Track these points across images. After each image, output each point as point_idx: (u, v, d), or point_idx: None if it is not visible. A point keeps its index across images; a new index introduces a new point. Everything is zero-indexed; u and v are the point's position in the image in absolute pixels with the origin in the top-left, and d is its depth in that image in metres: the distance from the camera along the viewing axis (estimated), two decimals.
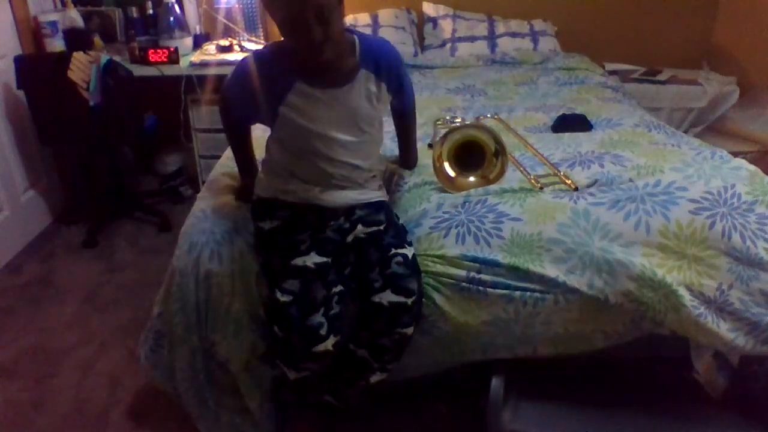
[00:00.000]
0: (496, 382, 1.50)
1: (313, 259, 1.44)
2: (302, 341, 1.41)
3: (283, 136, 1.49)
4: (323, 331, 1.40)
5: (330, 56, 1.35)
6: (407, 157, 1.82)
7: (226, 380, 1.58)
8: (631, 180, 1.59)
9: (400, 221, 1.59)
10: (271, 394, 1.60)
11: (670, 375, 1.68)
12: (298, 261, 1.44)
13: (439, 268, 1.48)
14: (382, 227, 1.52)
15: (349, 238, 1.52)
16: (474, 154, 1.69)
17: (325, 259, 1.46)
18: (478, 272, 1.46)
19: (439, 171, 1.69)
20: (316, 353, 1.41)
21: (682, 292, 1.42)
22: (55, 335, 2.19)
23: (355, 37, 1.44)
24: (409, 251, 1.49)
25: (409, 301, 1.43)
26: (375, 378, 1.51)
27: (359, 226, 1.52)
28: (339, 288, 1.47)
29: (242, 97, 1.49)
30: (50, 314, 2.31)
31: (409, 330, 1.46)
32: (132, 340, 2.10)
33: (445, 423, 1.75)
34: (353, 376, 1.52)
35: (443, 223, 1.54)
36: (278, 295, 1.42)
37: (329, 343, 1.42)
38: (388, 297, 1.43)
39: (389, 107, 1.62)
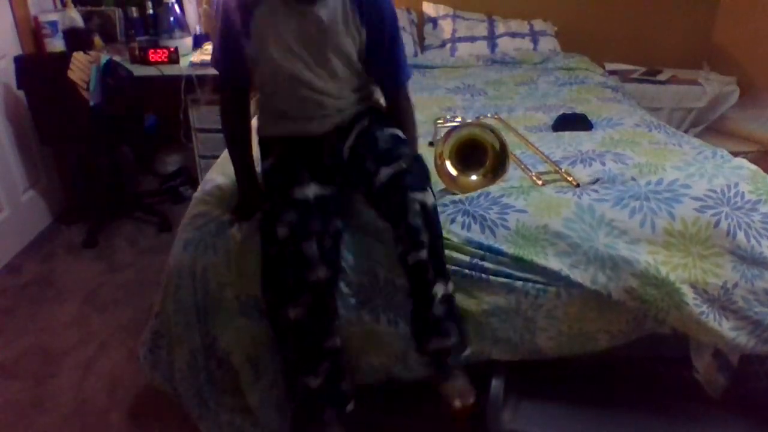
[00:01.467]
0: (496, 382, 1.51)
1: (313, 191, 1.41)
2: (295, 269, 1.37)
3: (262, 67, 1.46)
4: (315, 259, 1.36)
5: None
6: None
7: (226, 380, 1.58)
8: (633, 178, 1.59)
9: None
10: (287, 390, 1.59)
11: (670, 375, 1.68)
12: (298, 193, 1.41)
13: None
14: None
15: (345, 154, 1.51)
16: (476, 153, 1.69)
17: (324, 192, 1.43)
18: (482, 259, 1.46)
19: (440, 169, 1.69)
20: (310, 283, 1.37)
21: (686, 290, 1.42)
22: (55, 335, 2.18)
23: None
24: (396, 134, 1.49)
25: (404, 164, 1.38)
26: (439, 290, 1.39)
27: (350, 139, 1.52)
28: (338, 224, 1.44)
29: (225, 33, 1.45)
30: (50, 314, 2.31)
31: (423, 195, 1.36)
32: (132, 340, 2.10)
33: (445, 423, 1.75)
34: (420, 291, 1.41)
35: (447, 210, 1.54)
36: (277, 229, 1.39)
37: (321, 273, 1.37)
38: (385, 173, 1.38)
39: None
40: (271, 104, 1.53)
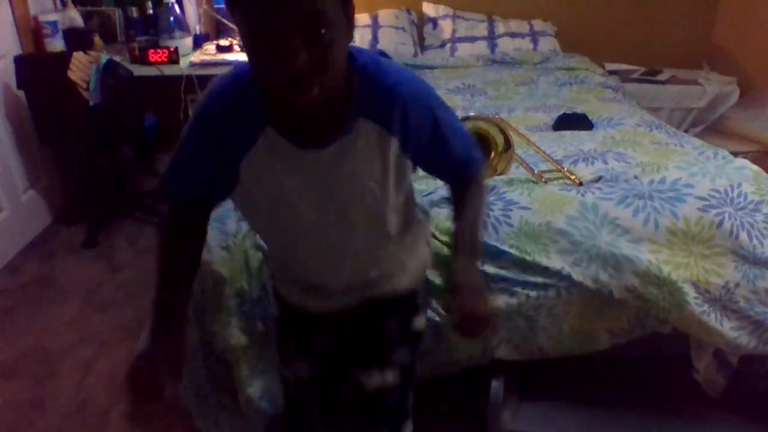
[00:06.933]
0: (495, 383, 1.50)
1: (303, 373, 1.24)
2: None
3: (250, 217, 1.12)
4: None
5: (319, 96, 0.83)
6: (460, 248, 1.05)
7: (226, 378, 1.57)
8: (636, 177, 1.60)
9: None
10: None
11: (670, 375, 1.68)
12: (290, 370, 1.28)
13: (445, 244, 1.47)
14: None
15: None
16: (481, 147, 1.69)
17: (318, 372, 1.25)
18: (482, 263, 1.46)
19: None
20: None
21: (687, 289, 1.43)
22: (55, 335, 2.18)
23: (358, 63, 0.91)
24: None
25: (391, 378, 1.16)
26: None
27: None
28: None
29: (197, 153, 1.01)
30: (50, 314, 2.30)
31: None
32: (132, 340, 2.09)
33: (445, 423, 1.75)
34: None
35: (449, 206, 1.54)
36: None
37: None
38: (375, 381, 1.16)
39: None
40: (271, 256, 1.23)
